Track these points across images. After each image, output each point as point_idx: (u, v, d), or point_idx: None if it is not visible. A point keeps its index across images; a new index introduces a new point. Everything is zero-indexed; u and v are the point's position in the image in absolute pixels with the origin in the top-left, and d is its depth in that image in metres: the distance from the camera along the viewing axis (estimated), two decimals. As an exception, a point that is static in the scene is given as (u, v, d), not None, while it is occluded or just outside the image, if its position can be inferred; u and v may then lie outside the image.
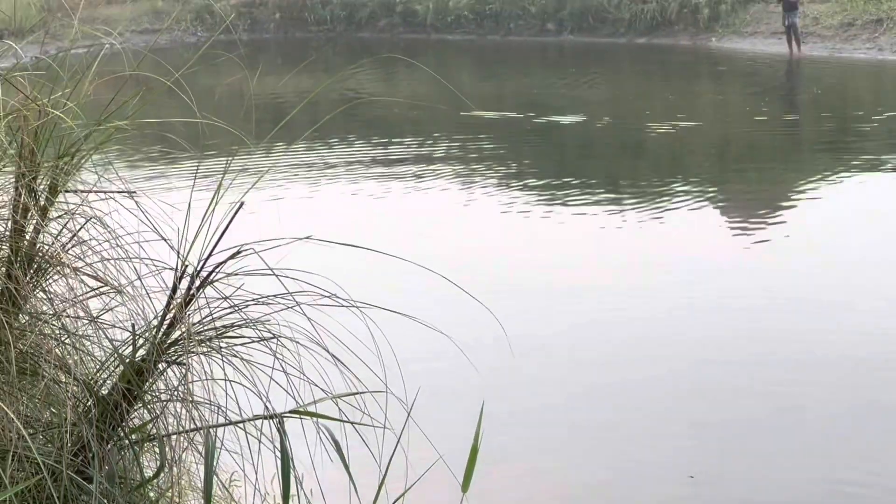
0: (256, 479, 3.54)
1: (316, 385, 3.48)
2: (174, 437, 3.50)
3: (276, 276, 3.44)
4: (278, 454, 3.42)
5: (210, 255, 3.46)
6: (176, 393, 3.49)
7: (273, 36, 35.53)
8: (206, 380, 3.48)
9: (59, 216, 3.53)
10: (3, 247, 3.47)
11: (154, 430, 3.53)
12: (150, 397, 3.51)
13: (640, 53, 31.23)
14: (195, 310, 3.48)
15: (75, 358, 3.53)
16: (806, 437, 9.21)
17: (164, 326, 3.47)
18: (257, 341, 3.48)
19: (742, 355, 10.79)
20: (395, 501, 3.46)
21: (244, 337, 3.49)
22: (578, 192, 17.41)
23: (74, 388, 3.45)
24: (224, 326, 3.48)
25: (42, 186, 3.50)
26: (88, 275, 3.52)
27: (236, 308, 3.48)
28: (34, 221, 3.47)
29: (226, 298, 3.48)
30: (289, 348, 3.46)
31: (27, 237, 3.46)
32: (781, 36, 29.52)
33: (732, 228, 15.30)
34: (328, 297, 3.50)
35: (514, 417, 9.29)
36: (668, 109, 23.64)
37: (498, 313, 4.37)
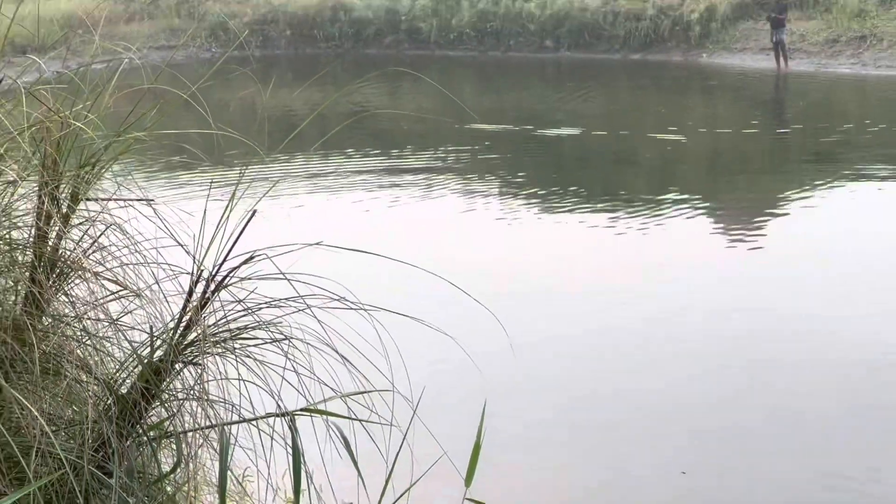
0: (269, 474, 3.54)
1: (326, 384, 3.48)
2: (190, 433, 3.50)
3: (288, 280, 3.44)
4: (290, 450, 3.42)
5: (224, 260, 3.46)
6: (192, 392, 3.49)
7: (284, 52, 35.53)
8: (221, 379, 3.48)
9: (81, 223, 3.53)
10: (28, 252, 3.47)
11: (171, 428, 3.53)
12: (167, 396, 3.51)
13: (634, 69, 31.23)
14: (210, 312, 3.48)
15: (96, 358, 3.53)
16: (805, 439, 9.15)
17: (181, 328, 3.47)
18: (270, 342, 3.48)
19: (740, 360, 10.75)
20: (401, 495, 3.46)
21: (257, 338, 3.49)
22: (576, 202, 17.40)
23: (95, 387, 3.45)
24: (238, 328, 3.48)
25: (64, 195, 3.50)
26: (108, 279, 3.52)
27: (250, 311, 3.48)
28: (57, 228, 3.47)
29: (240, 302, 3.48)
30: (300, 349, 3.46)
31: (50, 243, 3.46)
32: (769, 52, 29.51)
33: (725, 236, 15.29)
34: (337, 300, 3.50)
35: (515, 417, 9.28)
36: (661, 122, 23.63)
37: (499, 316, 4.37)
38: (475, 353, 5.02)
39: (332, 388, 3.48)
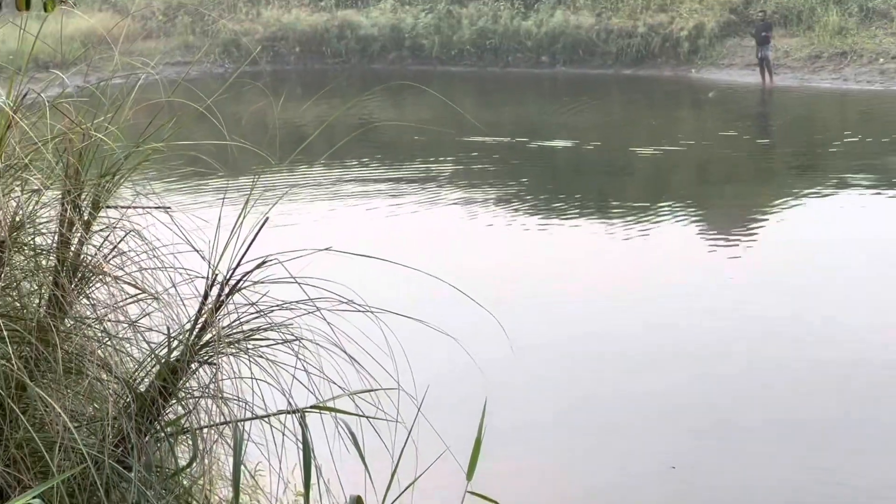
0: (280, 468, 3.54)
1: (334, 383, 3.48)
2: (205, 430, 3.50)
3: (299, 283, 3.44)
4: (300, 445, 3.42)
5: (238, 265, 3.46)
6: (207, 390, 3.49)
7: (293, 67, 35.53)
8: (235, 378, 3.48)
9: (101, 229, 3.53)
10: (51, 257, 3.47)
11: (187, 424, 3.53)
12: (183, 394, 3.51)
13: (626, 84, 31.22)
14: (225, 315, 3.48)
15: (116, 358, 3.53)
16: (805, 440, 9.08)
17: (197, 330, 3.47)
18: (281, 343, 3.48)
19: (734, 362, 10.71)
20: (406, 489, 3.45)
21: (269, 339, 3.49)
22: (572, 209, 17.40)
23: (115, 385, 3.45)
24: (251, 330, 3.49)
25: (86, 203, 3.50)
26: (128, 283, 3.52)
27: (262, 313, 3.48)
28: (79, 234, 3.47)
29: (252, 304, 3.48)
30: (310, 349, 3.47)
31: (72, 249, 3.46)
32: (755, 67, 29.51)
33: (716, 242, 15.27)
34: (346, 303, 3.50)
35: (516, 417, 9.26)
36: (652, 134, 23.62)
37: (500, 319, 4.37)
38: (476, 355, 5.02)
39: (340, 387, 3.48)
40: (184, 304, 3.52)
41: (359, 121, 22.68)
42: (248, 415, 3.50)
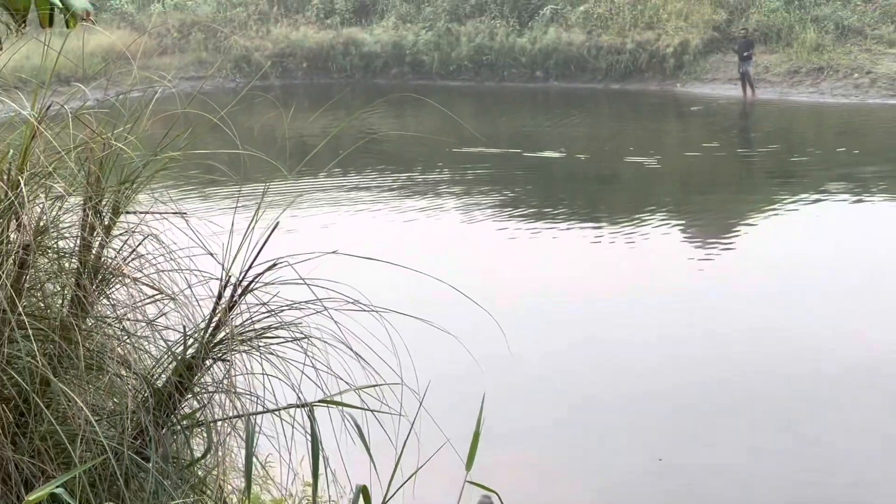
0: (290, 459, 3.54)
1: (341, 378, 3.48)
2: (219, 423, 3.50)
3: (307, 284, 3.44)
4: (309, 438, 3.41)
5: (250, 267, 3.46)
6: (221, 385, 3.49)
7: (301, 82, 35.53)
8: (247, 374, 3.48)
9: (121, 234, 3.53)
10: (74, 260, 3.47)
11: (202, 417, 3.53)
12: (198, 389, 3.51)
13: (614, 97, 31.22)
14: (237, 314, 3.48)
15: (135, 355, 3.53)
16: (801, 446, 9.09)
17: (211, 328, 3.47)
18: (291, 341, 3.47)
19: (725, 365, 10.70)
20: (408, 479, 3.45)
21: (279, 337, 3.49)
22: (563, 217, 17.39)
23: (134, 381, 3.45)
24: (262, 328, 3.49)
25: (106, 208, 3.50)
26: (146, 284, 3.52)
27: (273, 312, 3.48)
28: (99, 238, 3.47)
29: (264, 304, 3.48)
30: (318, 347, 3.46)
31: (94, 252, 3.46)
32: (737, 82, 29.50)
33: (701, 248, 15.27)
34: (352, 302, 3.50)
35: (511, 408, 9.27)
36: (639, 145, 23.61)
37: (496, 316, 4.37)
38: (476, 353, 5.02)
39: (346, 382, 3.48)
40: (199, 304, 3.52)
41: (363, 133, 22.67)
42: (260, 409, 3.50)
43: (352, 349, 3.48)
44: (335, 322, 3.48)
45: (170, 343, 3.52)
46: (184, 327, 3.46)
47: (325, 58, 36.35)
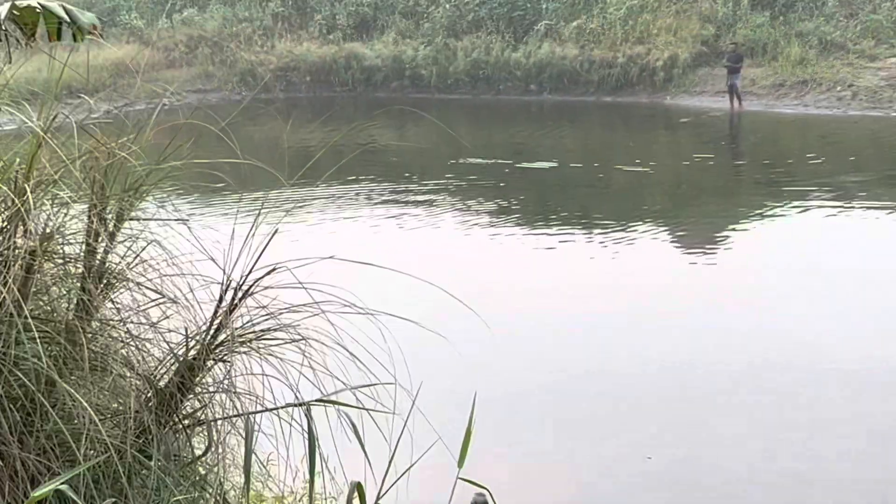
0: (288, 457, 3.54)
1: (337, 378, 3.48)
2: (220, 422, 3.50)
3: (305, 288, 3.44)
4: (306, 436, 3.41)
5: (250, 271, 3.47)
6: (221, 385, 3.49)
7: (304, 94, 35.52)
8: (247, 374, 3.48)
9: (125, 240, 3.54)
10: (79, 265, 3.47)
11: (203, 416, 3.53)
12: (199, 389, 3.51)
13: (606, 109, 31.23)
14: (238, 317, 3.48)
15: (138, 357, 3.53)
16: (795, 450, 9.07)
17: (212, 330, 3.47)
18: (289, 342, 3.48)
19: (717, 366, 10.68)
20: (402, 474, 3.45)
21: (278, 339, 3.49)
22: (556, 224, 17.38)
23: (137, 381, 3.45)
24: (261, 330, 3.49)
25: (111, 215, 3.50)
26: (149, 288, 3.53)
27: (272, 315, 3.49)
28: (104, 244, 3.47)
29: (263, 307, 3.49)
30: (315, 348, 3.47)
31: (98, 257, 3.46)
32: (724, 94, 29.51)
33: (690, 253, 15.26)
34: (348, 305, 3.50)
35: (502, 407, 9.26)
36: (629, 155, 23.61)
37: (488, 320, 4.37)
38: (466, 352, 5.03)
39: (342, 382, 3.48)
40: (200, 308, 3.52)
41: (361, 144, 22.66)
42: (259, 408, 3.50)
43: (348, 350, 3.48)
44: (332, 324, 3.48)
45: (172, 345, 3.52)
46: (186, 329, 3.46)
47: (327, 71, 36.35)
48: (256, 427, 3.46)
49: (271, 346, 3.47)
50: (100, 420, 3.14)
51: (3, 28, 3.81)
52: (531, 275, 14.16)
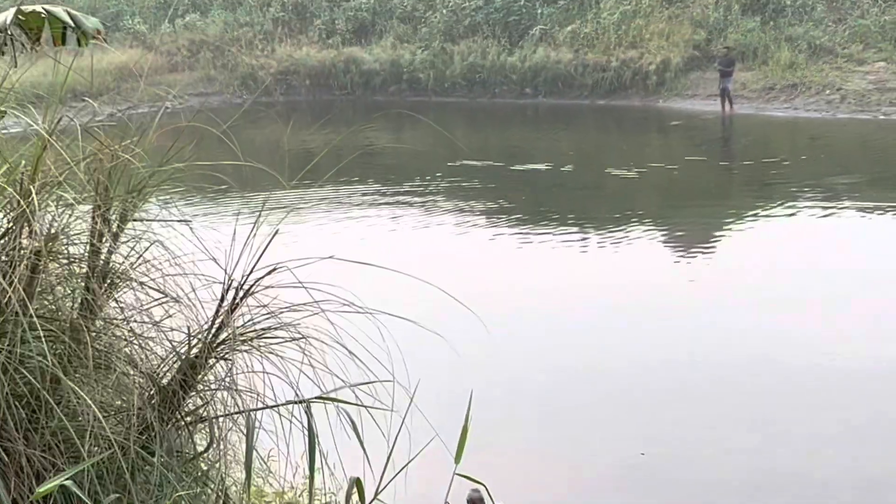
0: (288, 453, 3.54)
1: (337, 376, 3.48)
2: (221, 419, 3.50)
3: (305, 288, 3.44)
4: (306, 433, 3.41)
5: (251, 271, 3.46)
6: (223, 383, 3.49)
7: (304, 98, 35.47)
8: (248, 372, 3.48)
9: (128, 240, 3.53)
10: (83, 265, 3.47)
11: (205, 413, 3.52)
12: (202, 387, 3.51)
13: (600, 113, 31.22)
14: (239, 316, 3.48)
15: (141, 355, 3.53)
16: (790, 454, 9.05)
17: (214, 329, 3.47)
18: (289, 341, 3.48)
19: (715, 365, 10.66)
20: (400, 470, 3.44)
21: (279, 337, 3.49)
22: (550, 224, 17.36)
23: (140, 379, 3.45)
24: (262, 329, 3.49)
25: (114, 216, 3.50)
26: (152, 287, 3.52)
27: (272, 314, 3.48)
28: (108, 244, 3.47)
29: (264, 306, 3.48)
30: (315, 346, 3.46)
31: (102, 257, 3.46)
32: (716, 98, 29.49)
33: (684, 254, 15.25)
34: (347, 304, 3.50)
35: (498, 405, 9.24)
36: (623, 157, 23.60)
37: (486, 319, 4.37)
38: (463, 350, 5.02)
39: (342, 380, 3.48)
40: (202, 307, 3.52)
41: (362, 146, 22.63)
42: (260, 405, 3.50)
43: (347, 348, 3.48)
44: (331, 323, 3.48)
45: (175, 343, 3.52)
46: (188, 328, 3.46)
47: (326, 75, 36.31)
48: (257, 424, 3.46)
49: (272, 344, 3.47)
50: (104, 417, 3.13)
51: (9, 33, 3.80)
52: (529, 275, 14.14)
